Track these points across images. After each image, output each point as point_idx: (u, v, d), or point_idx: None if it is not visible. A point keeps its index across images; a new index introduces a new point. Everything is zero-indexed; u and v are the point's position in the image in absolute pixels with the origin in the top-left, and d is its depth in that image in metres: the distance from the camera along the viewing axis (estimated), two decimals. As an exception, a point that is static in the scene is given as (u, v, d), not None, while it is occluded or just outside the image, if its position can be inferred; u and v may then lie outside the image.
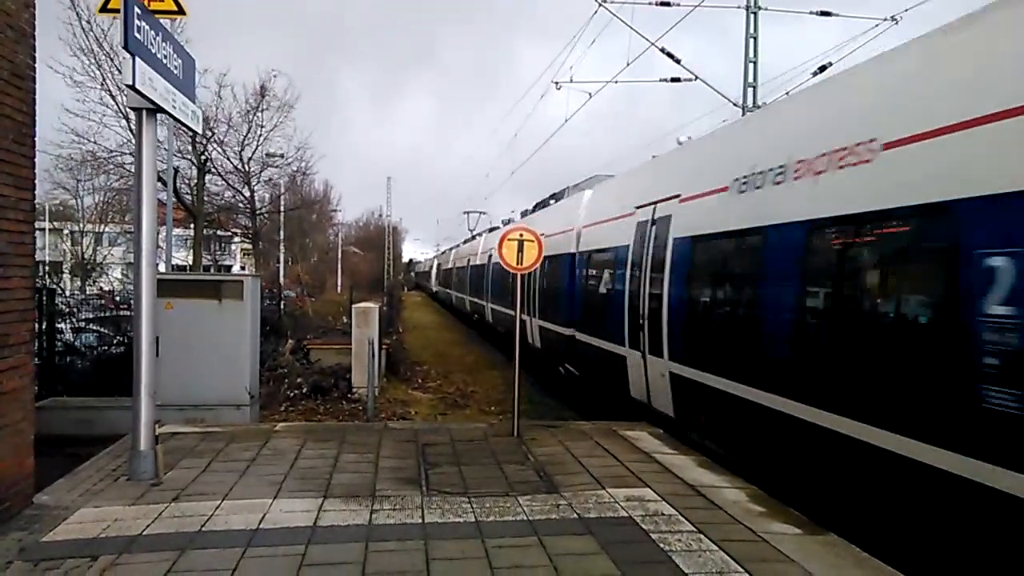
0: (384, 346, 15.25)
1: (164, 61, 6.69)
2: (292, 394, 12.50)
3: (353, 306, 13.83)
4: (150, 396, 6.80)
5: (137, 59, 6.01)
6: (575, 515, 5.82)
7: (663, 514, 5.86)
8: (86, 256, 52.88)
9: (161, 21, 6.90)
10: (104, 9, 6.68)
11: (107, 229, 55.26)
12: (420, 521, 5.63)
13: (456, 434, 8.74)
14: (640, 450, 8.09)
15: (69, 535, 5.35)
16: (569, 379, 14.25)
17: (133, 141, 21.16)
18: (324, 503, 6.03)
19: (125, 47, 5.92)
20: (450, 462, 7.44)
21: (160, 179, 22.32)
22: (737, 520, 5.75)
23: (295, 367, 13.86)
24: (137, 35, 6.03)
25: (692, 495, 6.43)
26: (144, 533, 5.34)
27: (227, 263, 65.02)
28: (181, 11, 6.88)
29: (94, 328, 14.39)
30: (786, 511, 6.04)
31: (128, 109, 20.54)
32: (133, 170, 22.16)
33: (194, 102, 7.73)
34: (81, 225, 56.38)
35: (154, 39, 6.40)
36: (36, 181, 6.04)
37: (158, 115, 7.03)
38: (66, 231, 61.84)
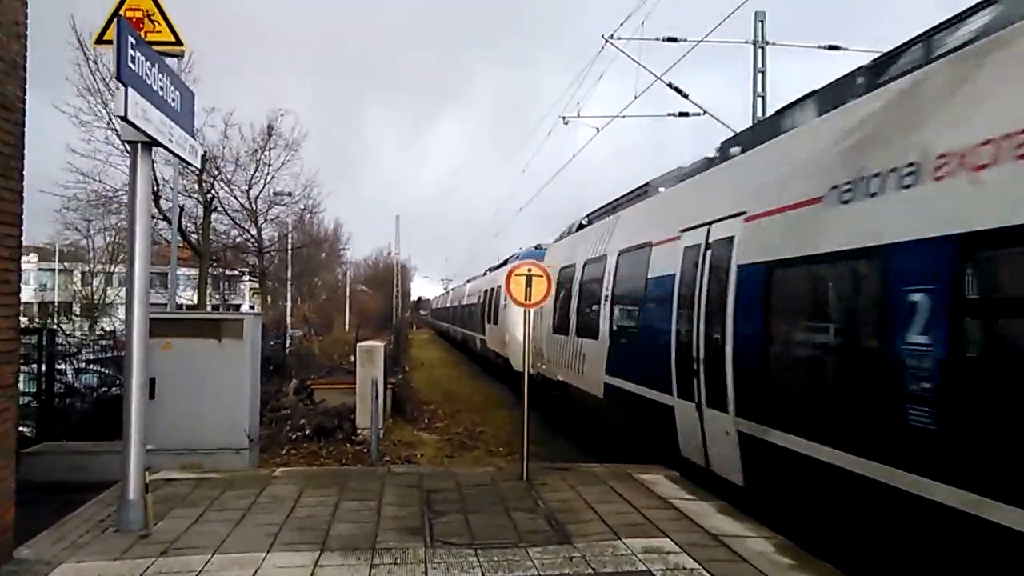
0: (390, 385, 14.90)
1: (160, 93, 6.49)
2: (294, 436, 12.14)
3: (358, 345, 13.51)
4: (140, 442, 6.46)
5: (130, 90, 5.81)
6: (590, 570, 5.41)
7: (684, 568, 5.45)
8: (95, 296, 52.94)
9: (166, 59, 6.77)
10: (100, 40, 6.52)
11: (116, 269, 55.45)
12: (423, 577, 5.24)
13: (463, 479, 8.34)
14: (656, 495, 7.67)
15: (46, 595, 4.98)
16: (577, 418, 13.96)
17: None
18: (321, 557, 5.65)
19: (118, 77, 5.72)
20: (456, 510, 7.04)
21: (166, 218, 22.46)
22: (765, 574, 5.33)
23: (298, 408, 13.51)
24: (131, 65, 5.84)
25: (714, 545, 6.01)
26: (126, 592, 4.97)
27: (236, 302, 64.96)
28: (179, 42, 6.70)
29: (95, 369, 14.13)
30: (817, 564, 5.61)
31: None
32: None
33: (193, 136, 7.54)
34: (91, 266, 56.59)
35: (149, 70, 6.20)
36: (23, 217, 5.80)
37: (154, 149, 6.83)
38: (76, 272, 62.08)
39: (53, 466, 9.35)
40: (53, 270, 67.69)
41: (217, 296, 54.35)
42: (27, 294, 66.01)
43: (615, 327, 11.34)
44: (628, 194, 12.97)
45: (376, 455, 10.25)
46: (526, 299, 8.64)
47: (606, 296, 11.67)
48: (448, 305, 56.07)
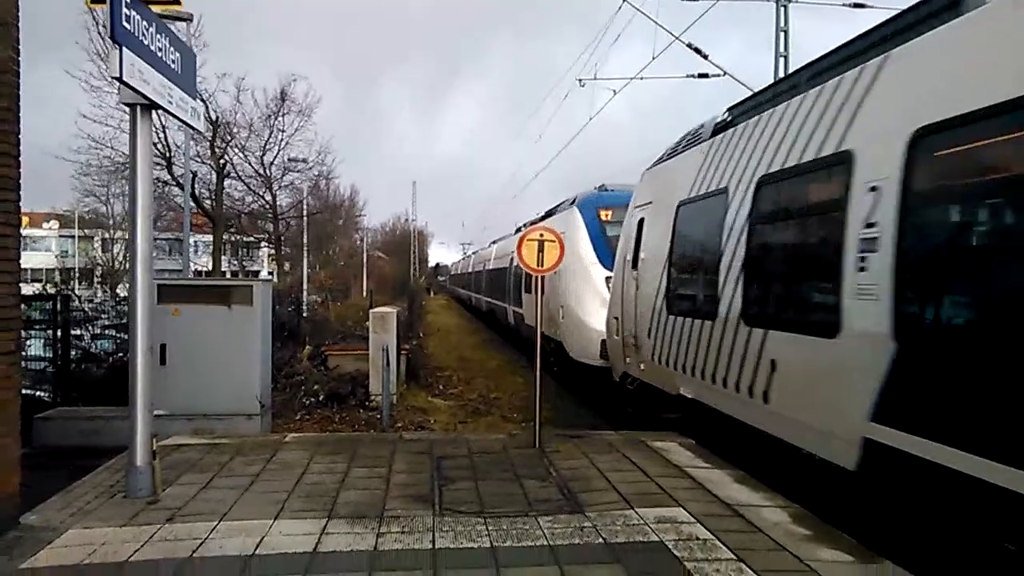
0: (404, 351, 14.82)
1: (158, 54, 6.29)
2: (308, 402, 12.08)
3: (371, 311, 13.40)
4: (147, 409, 6.40)
5: (125, 50, 5.62)
6: (601, 539, 5.29)
7: (698, 538, 5.32)
8: (114, 262, 53.38)
9: (173, 24, 6.58)
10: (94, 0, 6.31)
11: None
12: (430, 547, 5.14)
13: (474, 446, 8.25)
14: (671, 463, 7.54)
15: (51, 561, 4.95)
16: (592, 382, 13.66)
17: (152, 146, 21.15)
18: (328, 525, 5.57)
19: (112, 36, 5.53)
20: (466, 477, 6.95)
21: (178, 183, 22.39)
22: (781, 546, 5.19)
23: (312, 374, 13.45)
24: (126, 24, 5.64)
25: (729, 515, 5.87)
26: (131, 559, 4.92)
27: (254, 269, 65.24)
28: (176, 0, 6.47)
29: (111, 334, 14.16)
30: (834, 535, 5.46)
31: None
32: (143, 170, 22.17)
33: (195, 99, 7.35)
34: (111, 232, 56.97)
35: (146, 30, 6.00)
36: (20, 182, 5.65)
37: (154, 112, 6.67)
38: (96, 238, 62.53)
39: (66, 431, 9.37)
40: (73, 237, 68.22)
41: (235, 262, 54.61)
42: (49, 260, 66.97)
43: (905, 311, 5.04)
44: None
45: (388, 421, 10.19)
46: (538, 265, 8.45)
47: (882, 242, 5.20)
48: (470, 270, 48.93)
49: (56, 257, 68.72)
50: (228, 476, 6.93)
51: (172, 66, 6.60)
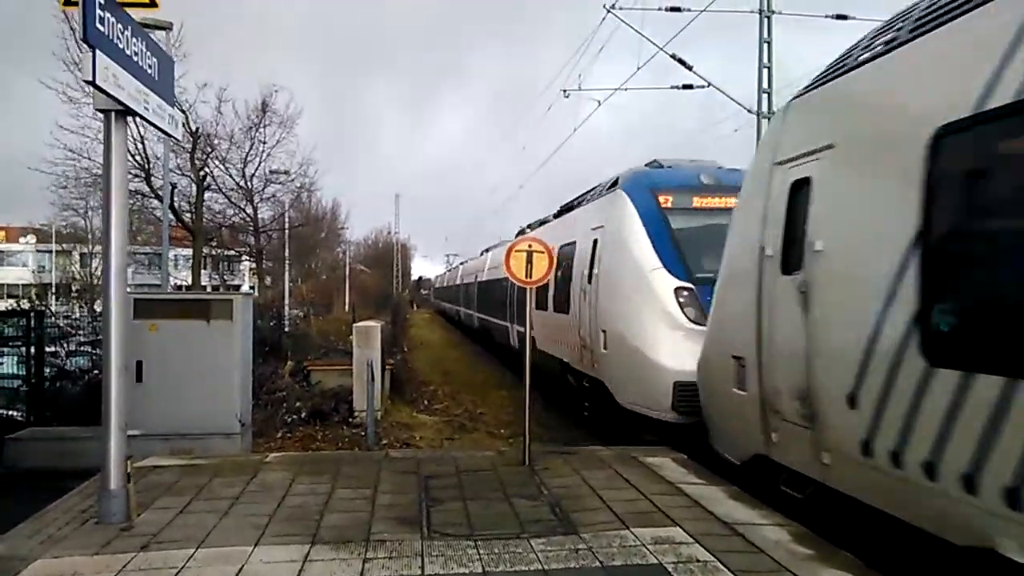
0: (388, 366, 14.55)
1: (134, 58, 6.06)
2: (290, 419, 11.80)
3: (354, 325, 13.14)
4: (121, 429, 6.12)
5: (99, 53, 5.38)
6: (597, 563, 5.08)
7: (698, 560, 5.11)
8: (93, 278, 52.53)
9: (154, 34, 6.37)
10: (68, 2, 6.06)
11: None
12: (419, 573, 4.91)
13: (462, 463, 8.01)
14: (664, 479, 7.34)
15: (16, 595, 4.66)
16: (579, 397, 13.42)
17: (129, 158, 20.71)
18: (311, 551, 5.32)
19: (84, 38, 5.31)
20: (455, 497, 6.71)
21: (157, 196, 21.98)
22: (784, 567, 5.00)
23: (294, 390, 13.17)
24: (99, 27, 5.41)
25: (728, 535, 5.68)
26: (101, 591, 4.65)
27: (235, 283, 64.56)
28: (153, 3, 6.25)
29: (86, 351, 13.79)
30: (837, 554, 5.28)
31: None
32: (129, 184, 21.61)
33: (173, 106, 7.10)
34: (90, 247, 56.11)
35: (121, 33, 5.77)
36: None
37: (130, 119, 6.44)
38: (75, 253, 61.57)
39: (39, 452, 9.05)
40: (50, 252, 67.20)
41: (216, 276, 53.97)
42: (25, 275, 65.88)
43: None
44: None
45: (373, 439, 9.93)
46: (526, 276, 8.26)
47: None
48: (458, 282, 42.40)
49: (32, 272, 67.62)
50: (206, 499, 6.65)
51: (149, 71, 6.37)
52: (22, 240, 73.33)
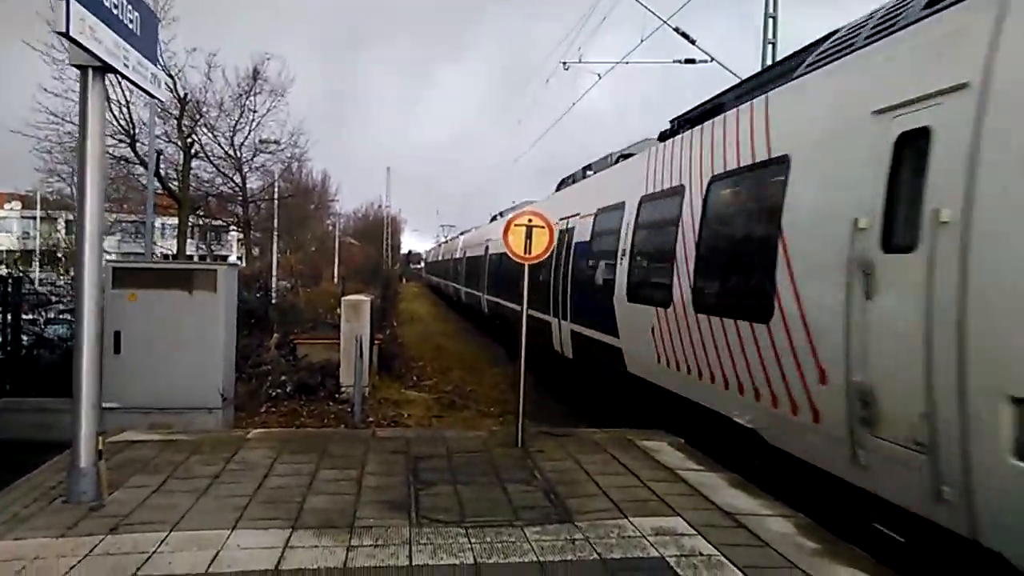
0: (376, 341, 14.22)
1: (113, 11, 5.63)
2: (275, 393, 11.47)
3: (343, 299, 12.77)
4: (92, 403, 5.77)
5: (72, 1, 4.96)
6: (596, 555, 4.80)
7: (701, 554, 4.85)
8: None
9: None
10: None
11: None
12: (407, 563, 4.62)
13: (453, 444, 7.73)
14: (662, 465, 7.08)
15: (-28, 579, 4.34)
16: (568, 375, 13.17)
17: (114, 122, 20.12)
18: (292, 536, 5.02)
19: (55, -16, 4.88)
20: (445, 480, 6.43)
21: (142, 162, 21.43)
22: (792, 562, 4.74)
23: (280, 364, 12.83)
24: (72, -29, 4.98)
25: (732, 526, 5.42)
26: (65, 578, 4.33)
27: (223, 253, 63.90)
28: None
29: (65, 319, 13.40)
30: (843, 547, 5.04)
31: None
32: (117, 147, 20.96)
33: (156, 64, 6.68)
34: (76, 214, 55.22)
35: (97, -20, 5.35)
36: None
37: (110, 76, 6.03)
38: (60, 220, 60.67)
39: (12, 424, 8.72)
40: (33, 218, 66.22)
41: (203, 246, 53.36)
42: (10, 242, 64.93)
43: None
44: None
45: (360, 417, 9.62)
46: (526, 252, 7.92)
47: None
48: (457, 255, 36.21)
49: (17, 239, 66.65)
50: (183, 478, 6.33)
51: (129, 26, 5.94)
52: (7, 206, 72.24)
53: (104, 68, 5.64)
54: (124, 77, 5.98)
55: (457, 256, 36.14)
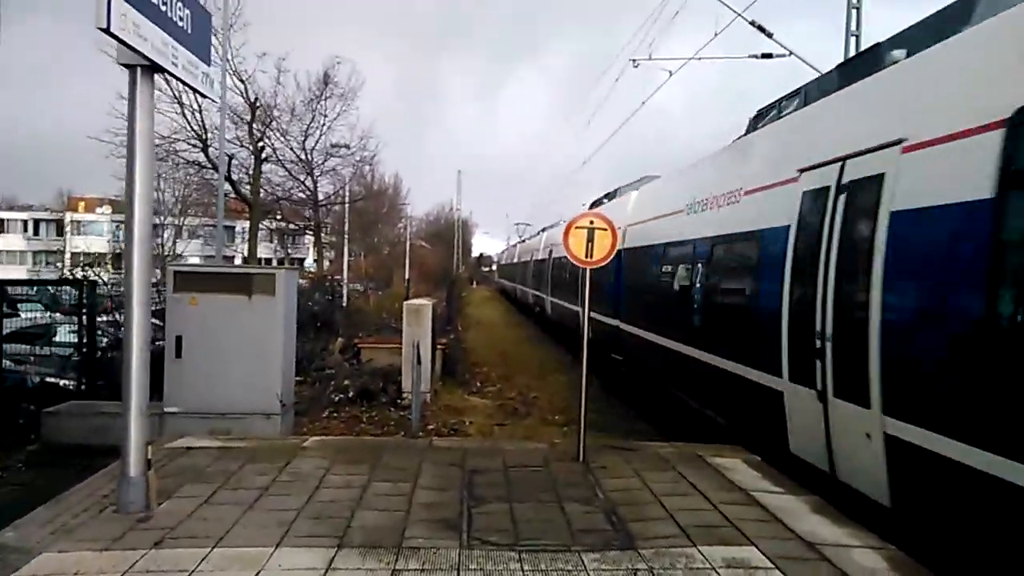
0: (440, 346, 14.03)
1: (161, 7, 5.52)
2: (337, 398, 11.40)
3: (405, 303, 12.62)
4: (141, 412, 5.66)
5: (112, -2, 4.83)
6: (659, 590, 4.37)
7: (778, 593, 4.36)
8: (164, 248, 53.80)
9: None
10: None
11: (186, 222, 56.27)
12: (453, 592, 4.30)
13: (510, 457, 7.38)
14: (736, 486, 6.55)
15: (11, 595, 4.23)
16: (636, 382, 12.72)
17: (187, 127, 20.59)
18: (336, 556, 4.76)
19: (96, -21, 4.75)
20: (500, 497, 6.08)
21: (215, 166, 21.88)
22: (883, 607, 4.20)
23: (343, 368, 12.78)
24: (114, -34, 4.86)
25: (814, 559, 4.89)
26: (101, 596, 4.18)
27: (300, 256, 65.40)
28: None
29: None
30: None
31: (193, 95, 19.76)
32: (202, 164, 21.44)
33: (208, 64, 6.56)
34: (162, 218, 57.47)
35: (144, -23, 5.22)
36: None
37: (158, 75, 5.91)
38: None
39: (75, 427, 8.82)
40: (117, 223, 69.26)
41: (281, 250, 54.63)
42: (100, 246, 68.21)
43: None
44: None
45: (417, 426, 9.39)
46: (587, 256, 7.52)
47: None
48: (539, 256, 28.68)
49: (108, 242, 69.95)
50: (234, 488, 6.18)
51: (179, 24, 5.82)
52: (98, 211, 75.96)
53: (152, 67, 5.52)
54: (174, 76, 5.87)
55: (538, 259, 28.98)
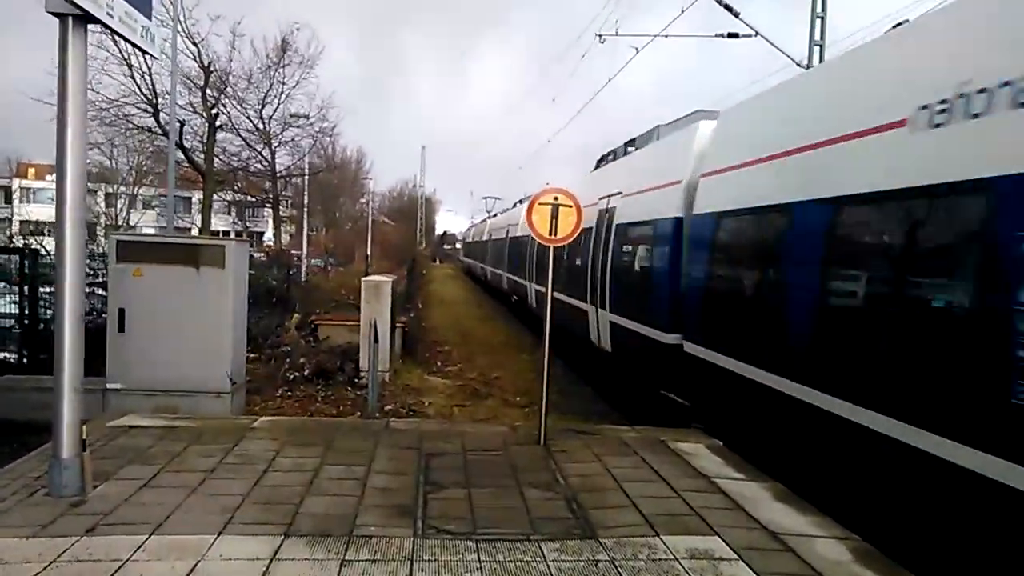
0: (400, 324, 13.72)
1: (96, -46, 5.09)
2: (292, 376, 11.04)
3: (363, 280, 12.26)
4: (74, 390, 5.30)
5: (42, -60, 4.43)
6: (621, 582, 4.20)
7: (743, 585, 4.22)
8: (120, 218, 52.20)
9: None
10: None
11: (140, 192, 54.62)
12: (406, 584, 4.07)
13: (470, 440, 7.16)
14: (698, 472, 6.43)
15: (-78, 587, 3.89)
16: (602, 364, 12.22)
17: (137, 91, 19.74)
18: (283, 545, 4.50)
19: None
20: (458, 482, 5.87)
21: (166, 133, 21.06)
22: (850, 600, 4.09)
23: (299, 345, 12.41)
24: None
25: (778, 549, 4.77)
26: (23, 590, 3.86)
27: (259, 230, 64.07)
28: None
29: (88, 292, 13.10)
30: (910, 580, 4.35)
31: (146, 51, 18.89)
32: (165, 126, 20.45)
33: (149, 17, 6.11)
34: (115, 187, 55.75)
35: (77, -81, 4.80)
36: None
37: (93, 26, 5.49)
38: (100, 193, 61.28)
39: (14, 403, 8.35)
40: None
41: (239, 223, 53.42)
42: (51, 213, 66.01)
43: None
44: None
45: (374, 406, 9.11)
46: (551, 234, 7.28)
47: None
48: (515, 232, 24.61)
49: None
50: (176, 471, 5.85)
51: (116, -27, 5.40)
52: (48, 177, 73.36)
53: (84, 17, 5.10)
54: (108, 28, 5.44)
55: (513, 235, 25.89)
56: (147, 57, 17.87)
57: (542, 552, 4.56)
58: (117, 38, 18.02)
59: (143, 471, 5.81)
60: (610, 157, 14.33)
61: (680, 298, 8.67)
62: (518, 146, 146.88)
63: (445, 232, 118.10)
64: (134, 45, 5.97)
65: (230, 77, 22.50)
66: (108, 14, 5.24)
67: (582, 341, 12.74)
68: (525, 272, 21.09)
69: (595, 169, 15.27)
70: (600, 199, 12.31)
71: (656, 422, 8.74)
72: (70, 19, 5.10)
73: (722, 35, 17.03)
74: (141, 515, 4.89)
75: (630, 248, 10.59)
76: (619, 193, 11.42)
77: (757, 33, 16.84)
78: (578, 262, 13.10)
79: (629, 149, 13.12)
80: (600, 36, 16.79)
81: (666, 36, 16.61)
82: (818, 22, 17.15)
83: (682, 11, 14.37)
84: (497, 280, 30.61)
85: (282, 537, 4.62)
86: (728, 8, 16.32)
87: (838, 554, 4.73)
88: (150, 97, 19.52)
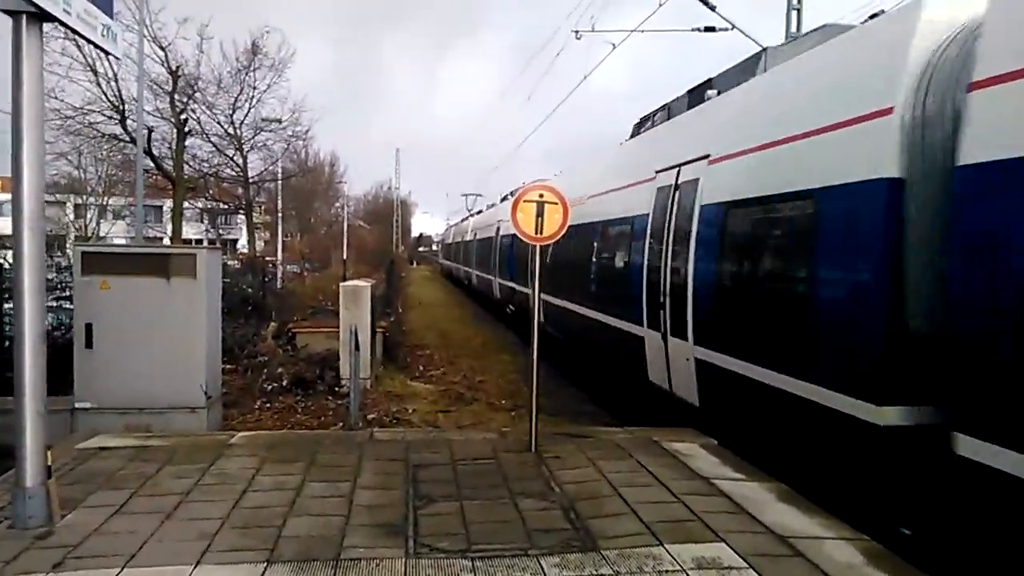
0: (380, 329, 13.41)
1: (47, -53, 4.76)
2: (270, 387, 10.72)
3: (341, 285, 11.94)
4: (38, 414, 4.96)
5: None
6: (628, 599, 3.97)
7: (756, 596, 4.01)
8: (89, 230, 51.15)
9: None
10: None
11: (110, 202, 53.56)
12: (399, 611, 3.81)
13: (458, 449, 6.90)
14: (696, 473, 6.23)
15: None
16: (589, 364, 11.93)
17: (103, 97, 19.22)
18: (265, 573, 4.21)
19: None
20: (448, 495, 5.61)
21: (133, 140, 20.53)
22: (867, 608, 3.90)
23: (277, 354, 12.08)
24: None
25: (787, 554, 4.57)
26: (-18, 636, 3.55)
27: (233, 237, 63.19)
28: None
29: (58, 307, 12.65)
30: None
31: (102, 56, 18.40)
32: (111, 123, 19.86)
33: (111, 16, 5.78)
34: (84, 198, 54.63)
35: (24, -91, 4.47)
36: None
37: (49, 25, 5.15)
38: (69, 204, 60.03)
39: (-24, 426, 7.93)
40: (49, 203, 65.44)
41: (212, 230, 52.60)
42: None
43: None
44: None
45: (356, 417, 8.81)
46: (536, 232, 7.04)
47: None
48: (501, 230, 22.49)
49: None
50: (150, 495, 5.53)
51: (71, -33, 5.06)
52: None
53: (40, 15, 4.77)
54: (66, 27, 5.12)
55: (500, 233, 22.72)
56: (113, 62, 17.41)
57: (542, 568, 4.32)
58: (81, 41, 17.57)
59: (114, 497, 5.48)
60: (657, 118, 10.95)
61: (906, 334, 4.88)
62: (494, 147, 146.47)
63: (421, 234, 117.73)
64: (95, 45, 5.63)
65: (199, 82, 21.99)
66: (65, 11, 4.90)
67: (628, 375, 9.65)
68: (516, 275, 18.37)
69: (632, 137, 12.00)
70: (659, 172, 8.93)
71: (644, 418, 8.55)
72: (24, 17, 4.76)
73: (699, 29, 16.90)
74: (112, 546, 4.57)
75: (747, 243, 6.95)
76: (705, 157, 7.75)
77: (733, 26, 16.73)
78: (620, 265, 9.87)
79: (665, 114, 10.25)
80: (576, 32, 16.57)
81: (643, 31, 16.43)
82: (794, 14, 17.09)
83: (660, 4, 14.15)
84: (485, 286, 26.48)
85: (264, 564, 4.33)
86: (704, 2, 16.19)
87: (849, 556, 4.54)
88: (116, 104, 18.98)
